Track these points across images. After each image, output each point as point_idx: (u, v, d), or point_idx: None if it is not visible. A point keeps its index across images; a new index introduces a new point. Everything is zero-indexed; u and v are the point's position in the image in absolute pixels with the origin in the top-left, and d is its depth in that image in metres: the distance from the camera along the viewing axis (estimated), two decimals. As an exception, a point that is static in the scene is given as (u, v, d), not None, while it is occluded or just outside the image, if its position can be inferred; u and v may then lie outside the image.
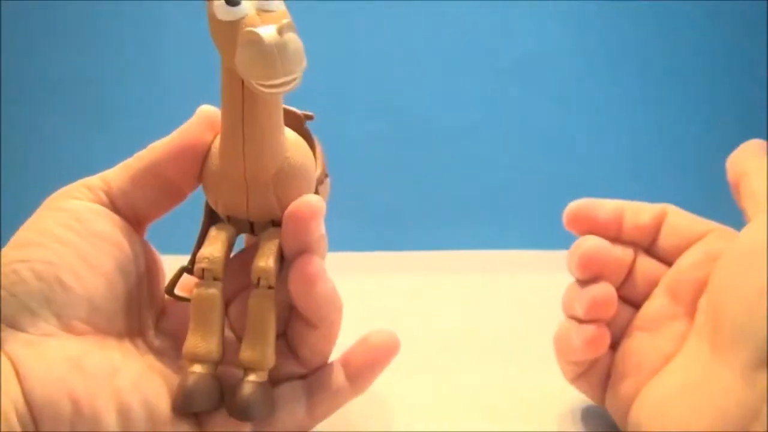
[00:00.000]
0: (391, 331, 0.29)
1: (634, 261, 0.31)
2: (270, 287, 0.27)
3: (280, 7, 0.24)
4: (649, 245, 0.32)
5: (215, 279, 0.26)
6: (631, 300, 0.32)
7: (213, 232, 0.27)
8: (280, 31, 0.22)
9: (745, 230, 0.28)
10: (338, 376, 0.29)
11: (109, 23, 0.67)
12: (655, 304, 0.31)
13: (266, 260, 0.26)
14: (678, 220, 0.31)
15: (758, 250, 0.26)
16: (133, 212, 0.28)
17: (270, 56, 0.22)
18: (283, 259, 0.27)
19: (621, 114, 0.74)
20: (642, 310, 0.31)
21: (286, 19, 0.23)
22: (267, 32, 0.22)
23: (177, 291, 0.29)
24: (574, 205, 0.32)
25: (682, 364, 0.28)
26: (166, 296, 0.29)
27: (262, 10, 0.24)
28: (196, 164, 0.28)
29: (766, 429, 0.23)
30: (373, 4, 0.69)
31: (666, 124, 0.74)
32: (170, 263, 0.29)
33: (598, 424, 0.32)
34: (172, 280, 0.29)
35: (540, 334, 0.32)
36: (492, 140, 0.72)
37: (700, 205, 0.30)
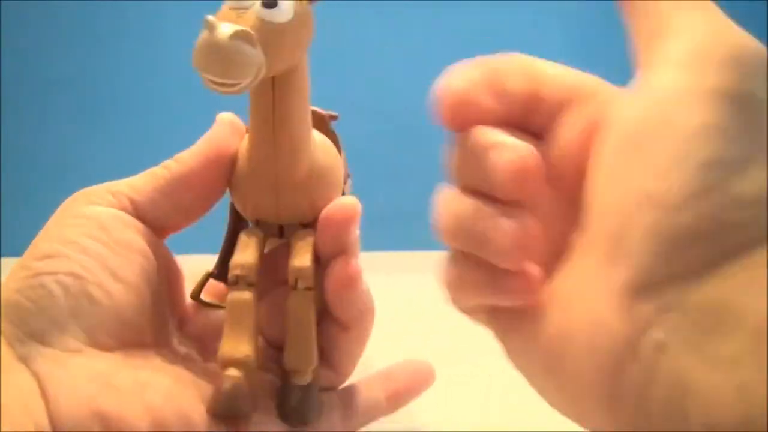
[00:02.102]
0: (430, 364, 0.29)
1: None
2: (308, 288, 0.26)
3: (254, 11, 0.23)
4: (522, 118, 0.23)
5: (249, 285, 0.26)
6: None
7: (243, 237, 0.27)
8: (231, 35, 0.22)
9: (634, 95, 0.19)
10: (377, 391, 0.28)
11: (109, 23, 0.67)
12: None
13: (302, 260, 0.26)
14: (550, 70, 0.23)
15: (646, 133, 0.18)
16: (160, 222, 0.27)
17: (204, 48, 0.22)
18: (317, 261, 0.27)
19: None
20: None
21: (245, 28, 0.22)
22: (221, 27, 0.22)
23: (202, 296, 0.29)
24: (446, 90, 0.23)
25: (566, 267, 0.21)
26: (190, 301, 0.29)
27: (237, 8, 0.23)
28: (226, 171, 0.27)
29: (645, 372, 0.17)
30: (373, 4, 0.69)
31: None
32: (183, 264, 0.29)
33: (598, 424, 0.32)
34: (198, 285, 0.29)
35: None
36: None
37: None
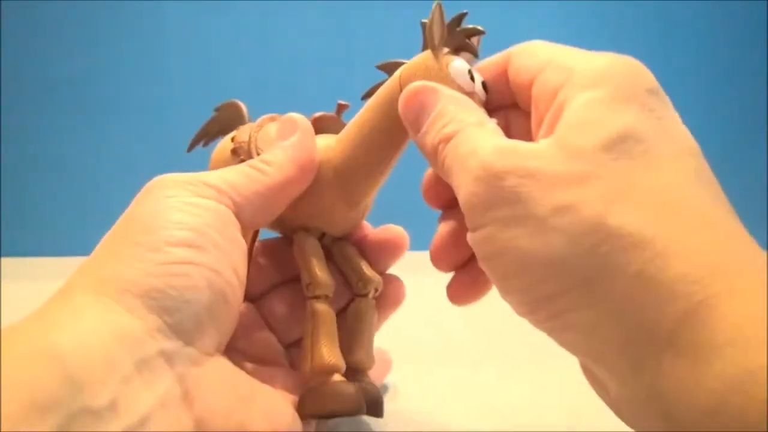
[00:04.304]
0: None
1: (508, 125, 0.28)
2: (374, 297, 0.29)
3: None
4: (512, 101, 0.28)
5: (327, 298, 0.28)
6: None
7: (313, 248, 0.28)
8: None
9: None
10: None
11: (109, 23, 0.67)
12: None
13: (373, 272, 0.29)
14: (520, 62, 0.28)
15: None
16: (250, 224, 0.25)
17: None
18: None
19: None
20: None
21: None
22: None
23: None
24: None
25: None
26: None
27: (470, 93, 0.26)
28: (311, 179, 0.27)
29: None
30: (372, 4, 0.69)
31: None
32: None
33: (599, 423, 0.32)
34: None
35: (540, 334, 0.32)
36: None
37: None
